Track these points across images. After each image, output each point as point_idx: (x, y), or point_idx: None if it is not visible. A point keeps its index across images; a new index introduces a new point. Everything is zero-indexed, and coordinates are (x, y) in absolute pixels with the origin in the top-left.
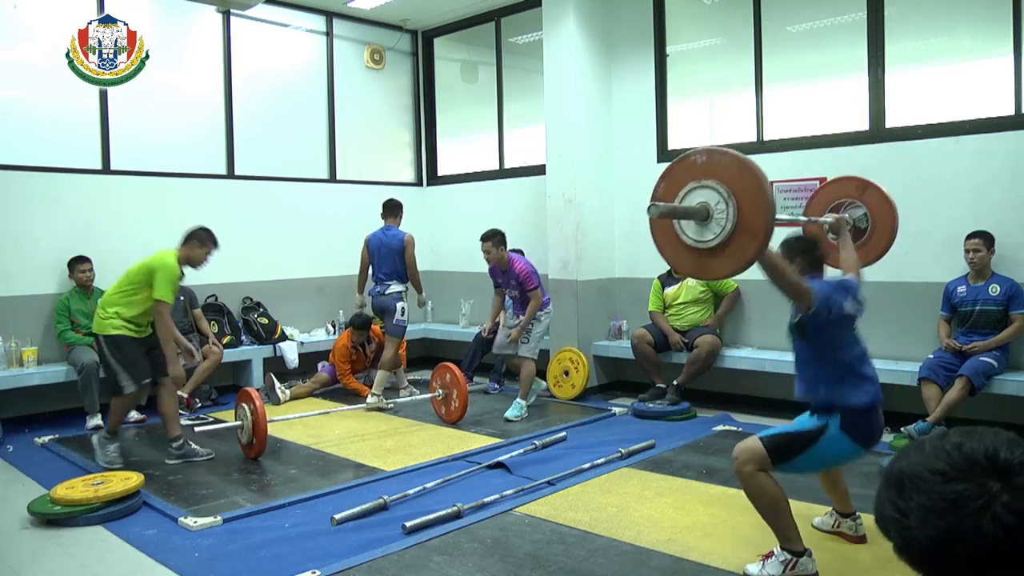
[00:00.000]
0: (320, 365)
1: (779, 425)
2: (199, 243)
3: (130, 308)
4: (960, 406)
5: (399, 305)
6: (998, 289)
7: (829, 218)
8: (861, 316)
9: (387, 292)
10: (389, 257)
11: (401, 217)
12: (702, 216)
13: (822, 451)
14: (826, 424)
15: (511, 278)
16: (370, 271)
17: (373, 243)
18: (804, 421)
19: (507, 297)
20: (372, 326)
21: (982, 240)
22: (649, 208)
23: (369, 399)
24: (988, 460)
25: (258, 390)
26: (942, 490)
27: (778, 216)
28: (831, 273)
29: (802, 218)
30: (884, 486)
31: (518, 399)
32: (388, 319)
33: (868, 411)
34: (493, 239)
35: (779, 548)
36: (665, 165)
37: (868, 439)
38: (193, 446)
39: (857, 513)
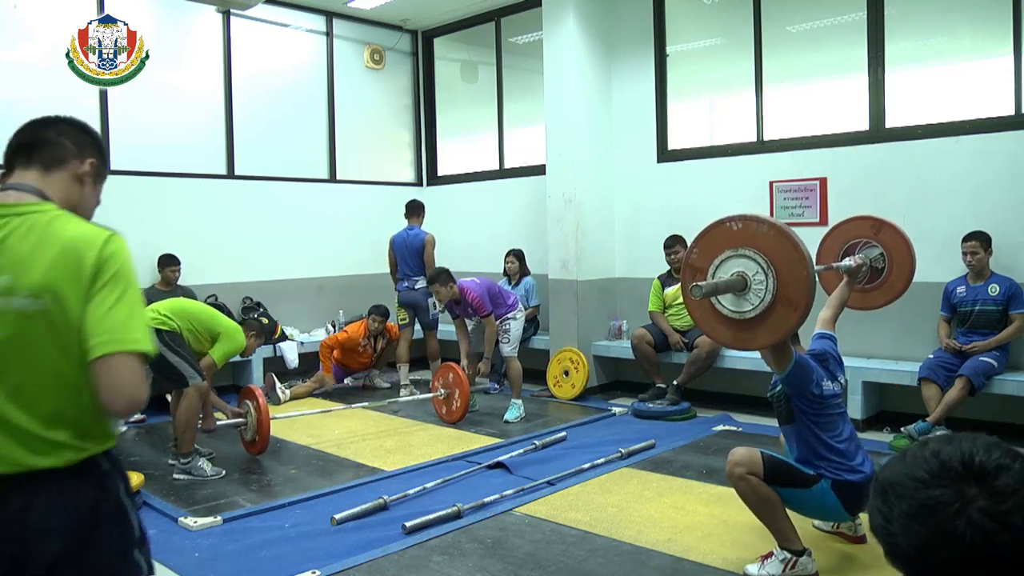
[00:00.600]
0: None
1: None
2: (256, 334)
3: (187, 334)
4: (960, 406)
5: (430, 301)
6: (997, 289)
7: (850, 262)
8: (841, 392)
9: (416, 287)
10: (412, 256)
11: (423, 216)
12: (740, 287)
13: (809, 497)
14: (819, 477)
15: (467, 307)
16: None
17: (397, 242)
18: (803, 465)
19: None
20: (387, 322)
21: (979, 242)
22: (692, 290)
23: (403, 392)
24: (964, 466)
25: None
26: (920, 496)
27: None
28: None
29: (820, 268)
30: (872, 494)
31: (513, 400)
32: (423, 314)
33: (860, 485)
34: (439, 280)
35: (779, 548)
36: (665, 165)
37: (854, 507)
38: (201, 464)
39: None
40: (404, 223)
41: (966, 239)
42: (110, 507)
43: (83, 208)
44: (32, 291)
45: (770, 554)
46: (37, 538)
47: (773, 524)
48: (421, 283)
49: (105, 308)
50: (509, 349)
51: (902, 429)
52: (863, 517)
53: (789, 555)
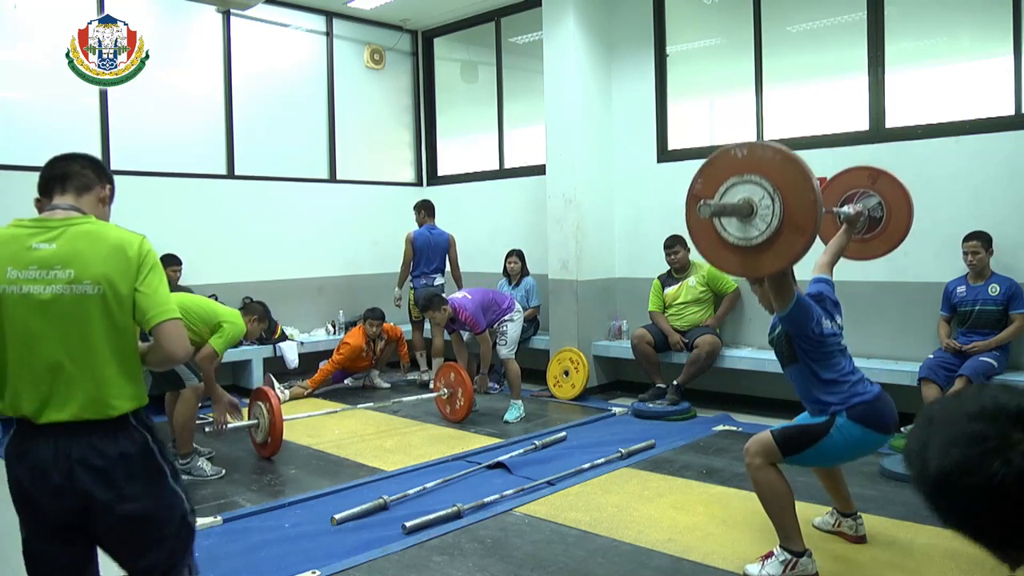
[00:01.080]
0: (322, 363)
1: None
2: (259, 318)
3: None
4: None
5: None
6: (998, 289)
7: (849, 209)
8: (840, 332)
9: (435, 284)
10: (437, 254)
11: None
12: (746, 212)
13: (833, 444)
14: (832, 416)
15: (462, 324)
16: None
17: (421, 241)
18: (810, 416)
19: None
20: (384, 323)
21: (980, 242)
22: (700, 208)
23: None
24: (1017, 413)
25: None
26: (966, 427)
27: None
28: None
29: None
30: (916, 423)
31: (513, 400)
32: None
33: (874, 401)
34: (432, 306)
35: (779, 548)
36: (665, 165)
37: (882, 426)
38: (200, 464)
39: (858, 513)
40: (404, 223)
41: (967, 239)
42: (147, 453)
43: (104, 221)
44: (92, 280)
45: (770, 554)
46: (82, 474)
47: (780, 520)
48: (439, 280)
49: (152, 290)
50: (506, 351)
51: (902, 429)
52: (863, 517)
53: (789, 555)
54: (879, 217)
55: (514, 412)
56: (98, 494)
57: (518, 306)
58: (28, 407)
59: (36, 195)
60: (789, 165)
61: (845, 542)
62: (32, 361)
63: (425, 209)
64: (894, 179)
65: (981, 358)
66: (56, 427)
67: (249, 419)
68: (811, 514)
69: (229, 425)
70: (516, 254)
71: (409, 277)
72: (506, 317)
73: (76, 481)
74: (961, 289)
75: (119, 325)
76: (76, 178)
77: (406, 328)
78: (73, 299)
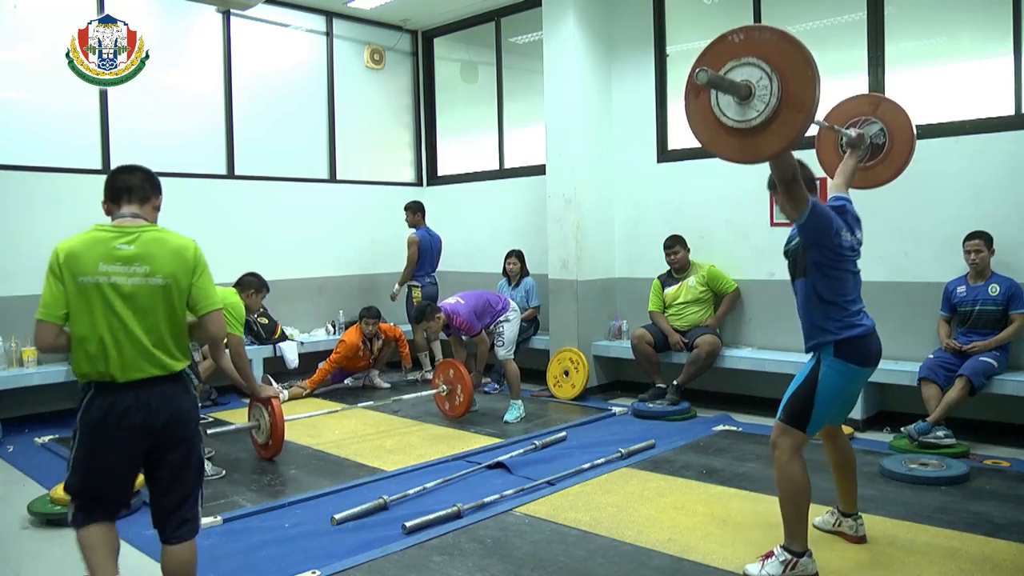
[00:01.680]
0: (321, 363)
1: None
2: (255, 291)
3: None
4: (960, 406)
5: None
6: (998, 289)
7: (852, 132)
8: (858, 248)
9: (436, 283)
10: (437, 255)
11: None
12: (744, 94)
13: (831, 385)
14: (818, 359)
15: (457, 330)
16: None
17: (425, 242)
18: (801, 371)
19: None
20: (380, 322)
21: (982, 240)
22: (697, 73)
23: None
24: None
25: None
26: None
27: None
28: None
29: (824, 123)
30: None
31: (513, 400)
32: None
33: (859, 338)
34: (426, 316)
35: (779, 548)
36: (665, 165)
37: (864, 358)
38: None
39: (859, 513)
40: (404, 223)
41: (969, 238)
42: (190, 398)
43: (165, 228)
44: (163, 276)
45: (770, 554)
46: (156, 411)
47: (791, 518)
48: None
49: (204, 286)
50: (504, 352)
51: (902, 429)
52: (864, 517)
53: (790, 556)
54: (881, 144)
55: (514, 412)
56: (167, 430)
57: (513, 305)
58: (114, 369)
59: (104, 200)
60: (785, 44)
61: (845, 542)
62: (117, 335)
63: (420, 210)
64: (895, 105)
65: (981, 358)
66: (136, 383)
67: (249, 421)
68: (811, 513)
69: (233, 426)
70: (515, 255)
71: (413, 278)
72: (501, 318)
73: (153, 419)
74: (961, 289)
75: (177, 309)
76: (138, 191)
77: (406, 328)
78: (148, 289)
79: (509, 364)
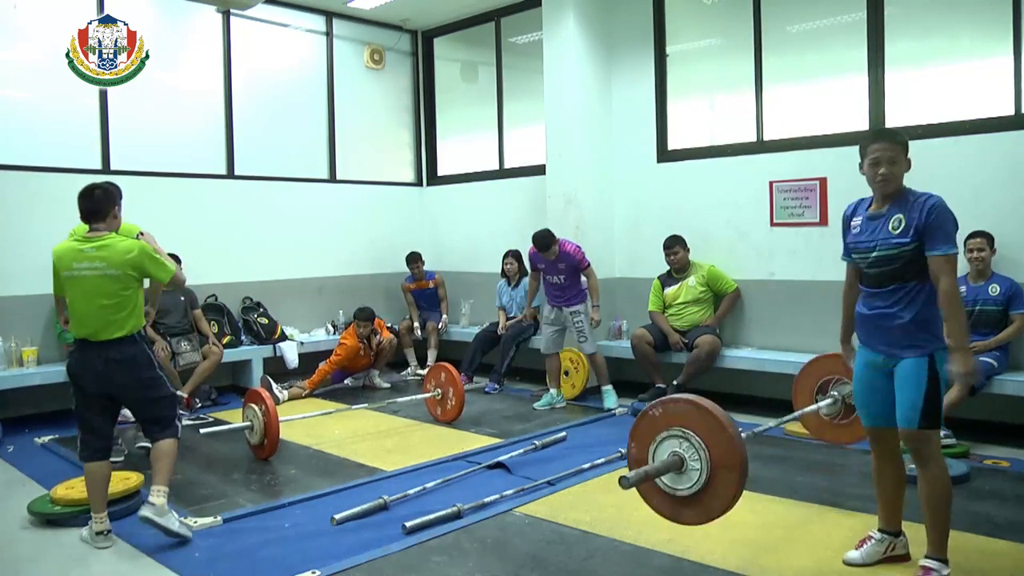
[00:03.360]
0: (321, 363)
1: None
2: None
3: None
4: (960, 405)
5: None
6: (998, 289)
7: (824, 404)
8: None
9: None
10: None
11: None
12: (678, 466)
13: (942, 378)
14: (931, 356)
15: (559, 262)
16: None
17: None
18: (912, 375)
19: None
20: (376, 320)
21: (984, 239)
22: (620, 481)
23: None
24: None
25: None
26: None
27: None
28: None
29: (796, 414)
30: None
31: (604, 387)
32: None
33: None
34: (547, 239)
35: (933, 561)
36: (665, 165)
37: None
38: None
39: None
40: (404, 223)
41: (971, 236)
42: (143, 354)
43: (117, 229)
44: (117, 268)
45: (868, 538)
46: (113, 368)
47: (946, 525)
48: None
49: (155, 269)
50: (589, 346)
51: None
52: (864, 517)
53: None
54: (853, 404)
55: (611, 399)
56: (118, 377)
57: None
58: (87, 332)
59: (80, 219)
60: (700, 411)
61: (844, 542)
62: (89, 309)
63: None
64: None
65: (981, 358)
66: (99, 343)
67: (243, 422)
68: (810, 514)
69: (229, 426)
70: (513, 254)
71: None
72: (578, 307)
73: (110, 370)
74: (961, 289)
75: (127, 290)
76: (98, 212)
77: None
78: (106, 278)
79: (597, 356)
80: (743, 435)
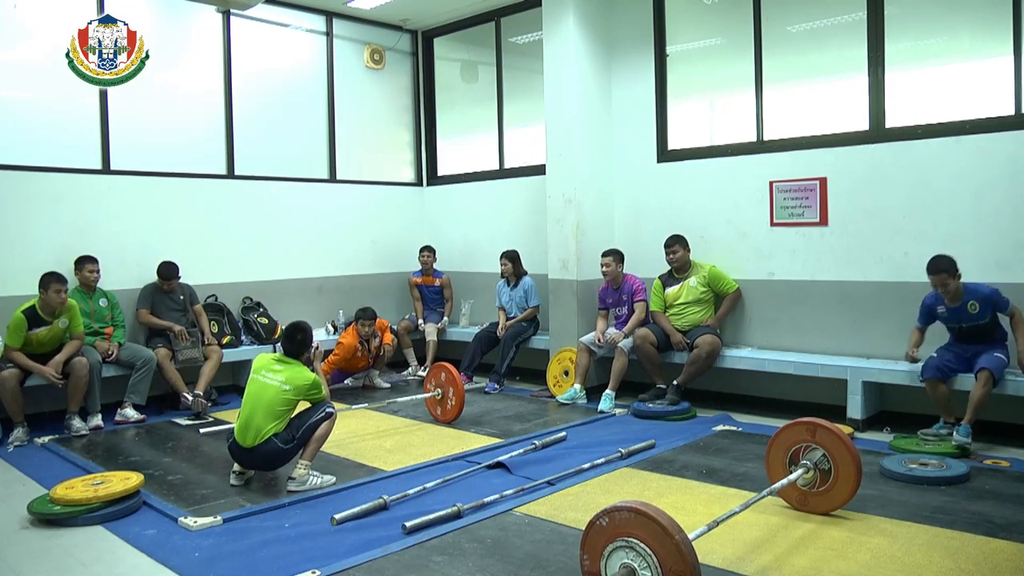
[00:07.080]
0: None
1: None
2: (43, 288)
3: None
4: (988, 399)
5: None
6: (977, 307)
7: (798, 474)
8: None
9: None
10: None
11: None
12: None
13: None
14: None
15: (623, 294)
16: None
17: None
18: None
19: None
20: (377, 320)
21: (946, 274)
22: None
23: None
24: None
25: None
26: None
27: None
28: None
29: (775, 487)
30: None
31: (608, 391)
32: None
33: None
34: (614, 255)
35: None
36: (665, 165)
37: None
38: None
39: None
40: (404, 223)
41: (934, 272)
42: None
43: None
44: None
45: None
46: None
47: None
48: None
49: (73, 327)
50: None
51: (919, 433)
52: (856, 516)
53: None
54: (827, 469)
55: (607, 402)
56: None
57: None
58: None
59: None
60: (645, 519)
61: (843, 543)
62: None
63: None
64: (831, 430)
65: (994, 353)
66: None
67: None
68: (810, 514)
69: (226, 426)
70: (507, 256)
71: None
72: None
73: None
74: (941, 309)
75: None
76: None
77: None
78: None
79: (622, 360)
80: (690, 538)
